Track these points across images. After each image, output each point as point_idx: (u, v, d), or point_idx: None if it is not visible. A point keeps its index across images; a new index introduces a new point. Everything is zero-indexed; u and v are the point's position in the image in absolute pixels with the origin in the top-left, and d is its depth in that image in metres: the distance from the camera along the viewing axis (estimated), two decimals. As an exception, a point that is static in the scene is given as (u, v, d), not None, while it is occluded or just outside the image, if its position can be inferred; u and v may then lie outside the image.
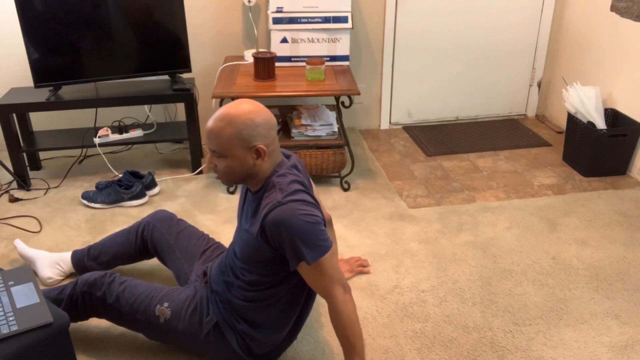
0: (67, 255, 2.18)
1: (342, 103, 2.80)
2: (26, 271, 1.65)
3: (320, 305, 2.05)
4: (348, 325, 1.58)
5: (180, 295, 1.79)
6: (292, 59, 3.09)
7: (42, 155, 3.22)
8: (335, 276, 1.56)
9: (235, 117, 1.51)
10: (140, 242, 2.10)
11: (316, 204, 1.57)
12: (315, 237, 1.50)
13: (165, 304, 1.75)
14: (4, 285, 1.58)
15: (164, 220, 2.09)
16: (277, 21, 3.00)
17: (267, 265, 1.61)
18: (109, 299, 1.78)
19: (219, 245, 2.04)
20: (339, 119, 2.85)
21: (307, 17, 3.00)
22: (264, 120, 1.54)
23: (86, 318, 1.84)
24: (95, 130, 3.01)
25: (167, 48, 2.90)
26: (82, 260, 2.15)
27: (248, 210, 1.63)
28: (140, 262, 2.20)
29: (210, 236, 2.09)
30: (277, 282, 1.64)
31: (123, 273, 2.06)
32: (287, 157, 1.69)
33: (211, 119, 1.54)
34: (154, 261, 2.22)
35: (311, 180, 1.78)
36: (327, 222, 1.92)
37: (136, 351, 1.86)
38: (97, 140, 2.92)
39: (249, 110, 1.53)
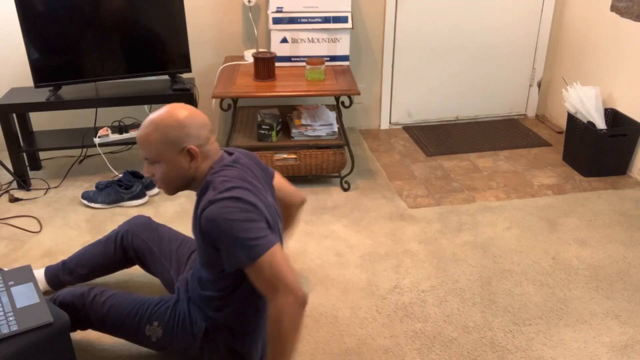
0: (40, 273, 2.06)
1: (342, 103, 2.80)
2: (26, 271, 1.65)
3: (319, 305, 2.05)
4: (276, 335, 1.44)
5: (167, 310, 1.72)
6: (292, 59, 3.09)
7: (42, 155, 3.22)
8: (277, 277, 1.42)
9: (160, 120, 1.50)
10: (120, 252, 2.01)
11: (257, 199, 1.49)
12: (247, 237, 1.41)
13: (155, 323, 1.70)
14: (4, 285, 1.58)
15: (143, 226, 2.03)
16: (277, 21, 3.00)
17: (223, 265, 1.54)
18: (94, 321, 1.73)
19: None
20: (339, 119, 2.85)
21: (307, 17, 3.00)
22: (192, 120, 1.51)
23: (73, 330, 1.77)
24: (95, 130, 3.01)
25: (167, 48, 2.90)
26: (57, 276, 2.04)
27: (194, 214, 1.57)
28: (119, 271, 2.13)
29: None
30: (241, 281, 1.56)
31: (101, 284, 2.03)
32: (230, 153, 1.63)
33: (140, 127, 1.55)
34: (133, 270, 2.17)
35: (271, 170, 1.74)
36: (297, 206, 1.88)
37: (136, 351, 1.86)
38: (97, 140, 2.92)
39: (174, 112, 1.51)
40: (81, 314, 1.73)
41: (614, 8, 3.05)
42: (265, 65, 2.82)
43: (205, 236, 1.48)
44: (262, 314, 1.65)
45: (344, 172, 2.96)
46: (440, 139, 3.48)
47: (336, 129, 2.87)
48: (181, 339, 1.68)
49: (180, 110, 1.52)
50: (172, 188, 1.59)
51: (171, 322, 1.69)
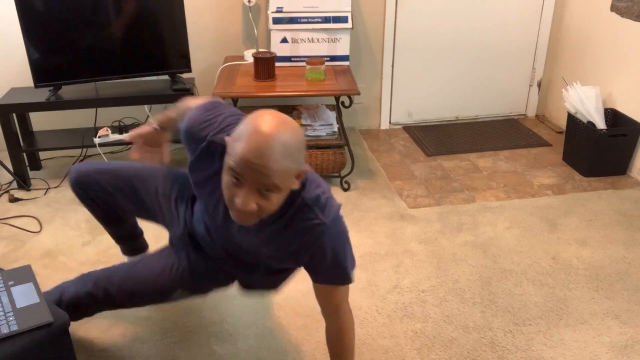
0: None
1: (342, 103, 2.80)
2: (26, 271, 1.65)
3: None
4: (349, 345, 1.54)
5: (184, 272, 1.67)
6: (292, 59, 3.09)
7: (42, 155, 3.22)
8: (346, 299, 1.52)
9: (289, 140, 1.20)
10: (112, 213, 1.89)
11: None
12: (350, 262, 1.45)
13: (179, 291, 1.68)
14: (4, 285, 1.58)
15: (100, 182, 1.81)
16: (277, 21, 3.00)
17: None
18: (112, 306, 1.71)
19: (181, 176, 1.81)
20: (339, 119, 2.85)
21: (307, 17, 3.00)
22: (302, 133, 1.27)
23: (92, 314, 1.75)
24: (95, 130, 3.01)
25: (167, 48, 2.90)
26: None
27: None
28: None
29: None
30: None
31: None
32: None
33: (254, 146, 1.17)
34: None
35: None
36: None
37: (136, 351, 1.86)
38: (97, 140, 2.92)
39: (295, 126, 1.23)
40: (96, 309, 1.71)
41: (614, 8, 3.05)
42: (265, 65, 2.82)
43: (299, 256, 1.42)
44: None
45: (344, 172, 2.96)
46: (440, 139, 3.48)
47: (336, 129, 2.88)
48: (211, 281, 1.70)
49: (292, 122, 1.24)
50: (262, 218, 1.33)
51: (193, 279, 1.67)
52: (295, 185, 1.29)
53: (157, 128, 1.76)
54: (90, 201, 1.86)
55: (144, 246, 2.13)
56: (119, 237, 2.07)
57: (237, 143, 1.20)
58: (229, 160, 1.21)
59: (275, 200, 1.25)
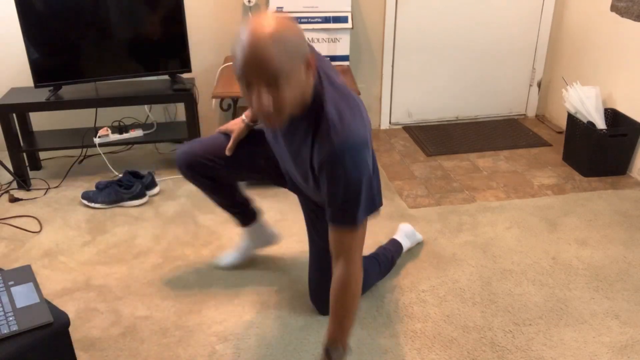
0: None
1: (342, 103, 2.79)
2: (26, 271, 1.65)
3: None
4: (352, 299, 1.49)
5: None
6: (292, 59, 3.08)
7: (42, 155, 3.22)
8: (357, 249, 1.50)
9: (276, 30, 1.24)
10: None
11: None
12: (366, 201, 1.46)
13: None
14: (4, 285, 1.58)
15: (204, 157, 1.91)
16: (277, 21, 3.00)
17: None
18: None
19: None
20: (339, 119, 2.85)
21: (307, 17, 3.00)
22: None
23: None
24: (95, 130, 3.01)
25: (167, 48, 2.90)
26: None
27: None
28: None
29: (210, 236, 2.07)
30: None
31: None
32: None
33: (245, 44, 1.23)
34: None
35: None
36: None
37: (136, 351, 1.86)
38: (97, 140, 2.92)
39: (282, 19, 1.28)
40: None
41: (614, 8, 3.05)
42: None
43: (321, 182, 1.43)
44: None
45: (344, 172, 2.96)
46: (440, 139, 3.48)
47: (336, 129, 2.87)
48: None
49: (283, 16, 1.30)
50: (289, 114, 1.36)
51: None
52: (308, 76, 1.34)
53: (249, 123, 1.90)
54: (200, 178, 1.94)
55: (256, 212, 2.17)
56: (233, 207, 2.10)
57: (234, 53, 1.28)
58: (234, 72, 1.30)
59: (289, 94, 1.29)
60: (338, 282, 1.49)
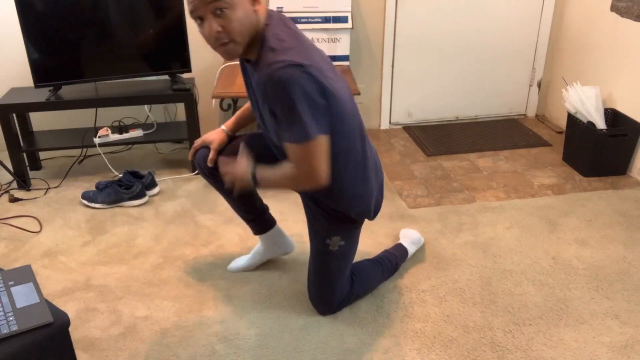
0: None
1: (342, 103, 2.79)
2: (26, 271, 1.65)
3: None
4: (276, 181, 1.64)
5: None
6: (292, 59, 3.08)
7: (42, 155, 3.22)
8: (312, 166, 1.58)
9: None
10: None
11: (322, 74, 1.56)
12: (306, 116, 1.52)
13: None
14: (4, 285, 1.58)
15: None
16: (277, 21, 3.00)
17: None
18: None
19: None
20: (339, 119, 2.85)
21: (307, 17, 3.00)
22: None
23: None
24: (95, 130, 3.01)
25: (167, 48, 2.90)
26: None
27: None
28: None
29: (210, 236, 2.07)
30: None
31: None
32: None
33: None
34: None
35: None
36: None
37: (136, 351, 1.86)
38: (97, 140, 2.92)
39: None
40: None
41: (614, 8, 3.04)
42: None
43: (267, 98, 1.51)
44: (361, 166, 1.75)
45: (344, 172, 2.96)
46: (440, 139, 3.48)
47: (336, 129, 2.87)
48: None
49: None
50: (244, 40, 1.51)
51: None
52: (257, 11, 1.49)
53: (230, 133, 1.97)
54: (221, 183, 1.95)
55: (271, 222, 2.17)
56: (249, 214, 2.10)
57: None
58: (189, 13, 1.49)
59: (235, 18, 1.44)
60: (291, 169, 1.58)
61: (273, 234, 2.17)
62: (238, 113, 2.00)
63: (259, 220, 2.13)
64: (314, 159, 1.54)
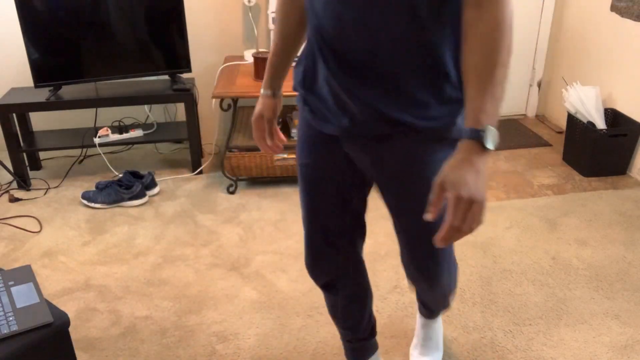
0: None
1: (342, 103, 2.79)
2: (26, 271, 1.65)
3: (319, 305, 2.05)
4: (507, 51, 1.02)
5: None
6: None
7: (42, 155, 3.22)
8: None
9: None
10: None
11: None
12: None
13: None
14: (4, 285, 1.58)
15: None
16: (277, 21, 3.00)
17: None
18: None
19: None
20: (339, 119, 2.84)
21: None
22: None
23: None
24: (95, 130, 3.01)
25: (167, 48, 2.90)
26: None
27: None
28: None
29: (210, 236, 1.99)
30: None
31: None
32: None
33: None
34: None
35: None
36: None
37: (136, 351, 1.86)
38: (97, 140, 2.92)
39: None
40: None
41: (614, 8, 3.04)
42: (265, 65, 2.81)
43: None
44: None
45: (344, 172, 2.96)
46: (440, 139, 3.47)
47: (336, 129, 2.87)
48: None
49: None
50: None
51: None
52: None
53: (275, 92, 1.49)
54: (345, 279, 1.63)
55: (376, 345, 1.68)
56: (361, 331, 1.61)
57: None
58: None
59: None
60: (487, 25, 1.00)
61: None
62: (271, 58, 1.50)
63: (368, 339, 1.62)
64: None
